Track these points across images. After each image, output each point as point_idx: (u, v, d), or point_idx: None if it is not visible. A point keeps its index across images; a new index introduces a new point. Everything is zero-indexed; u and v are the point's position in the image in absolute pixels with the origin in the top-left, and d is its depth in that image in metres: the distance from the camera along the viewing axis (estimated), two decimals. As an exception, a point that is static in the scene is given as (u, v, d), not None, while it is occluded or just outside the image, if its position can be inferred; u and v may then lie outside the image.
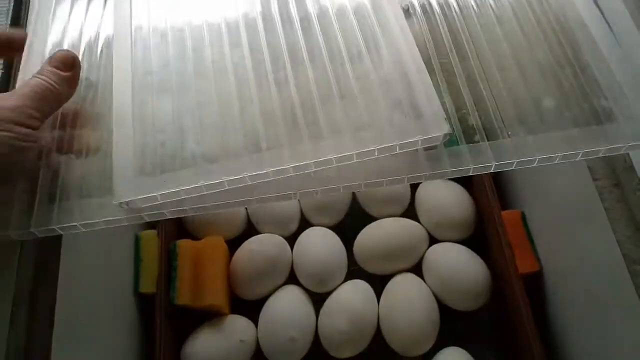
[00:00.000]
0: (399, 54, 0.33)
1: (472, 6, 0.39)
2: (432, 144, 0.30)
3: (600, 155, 0.31)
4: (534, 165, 0.31)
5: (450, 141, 0.31)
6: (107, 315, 0.45)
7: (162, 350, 0.47)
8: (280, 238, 0.55)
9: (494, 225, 0.50)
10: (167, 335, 0.48)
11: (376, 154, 0.30)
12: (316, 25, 0.36)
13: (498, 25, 0.38)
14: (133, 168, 0.30)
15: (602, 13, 0.37)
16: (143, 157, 0.30)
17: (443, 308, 0.50)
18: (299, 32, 0.35)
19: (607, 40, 0.35)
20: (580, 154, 0.31)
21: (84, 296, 0.40)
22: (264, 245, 0.54)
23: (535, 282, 0.50)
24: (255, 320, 0.51)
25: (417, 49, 0.33)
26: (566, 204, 0.43)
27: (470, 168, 0.31)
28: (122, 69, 0.34)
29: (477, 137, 0.32)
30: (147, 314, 0.51)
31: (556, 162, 0.31)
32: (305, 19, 0.36)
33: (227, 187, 0.29)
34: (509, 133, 0.32)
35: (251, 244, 0.54)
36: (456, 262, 0.51)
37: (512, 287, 0.47)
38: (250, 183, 0.30)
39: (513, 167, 0.31)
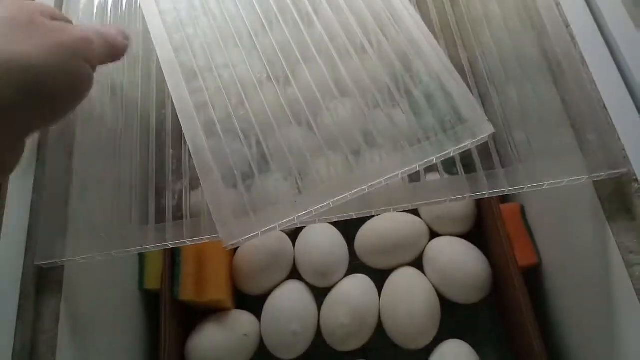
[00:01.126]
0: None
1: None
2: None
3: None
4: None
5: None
6: (112, 311, 0.46)
7: (166, 345, 0.48)
8: (283, 233, 0.56)
9: (493, 219, 0.50)
10: (171, 330, 0.49)
11: (434, 160, 0.32)
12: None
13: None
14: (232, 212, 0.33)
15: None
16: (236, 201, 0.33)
17: (444, 301, 0.51)
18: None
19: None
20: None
21: (89, 293, 0.41)
22: (267, 240, 0.55)
23: (534, 275, 0.50)
24: (258, 315, 0.52)
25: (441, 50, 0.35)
26: (564, 196, 0.44)
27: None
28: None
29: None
30: (151, 310, 0.52)
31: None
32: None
33: (314, 213, 0.33)
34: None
35: (255, 240, 0.55)
36: (456, 256, 0.51)
37: (512, 280, 0.47)
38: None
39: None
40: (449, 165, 0.36)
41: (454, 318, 0.51)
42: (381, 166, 0.32)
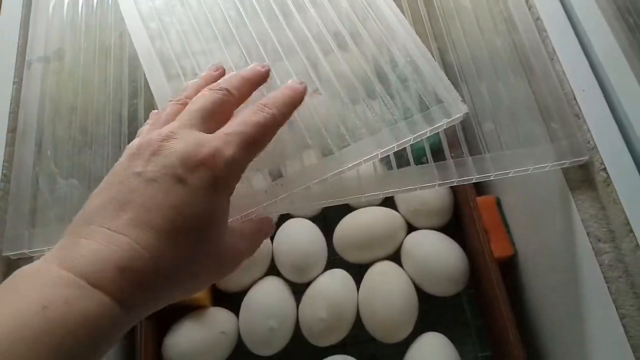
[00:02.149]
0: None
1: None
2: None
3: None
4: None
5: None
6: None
7: (143, 344, 0.47)
8: (261, 230, 0.55)
9: (469, 211, 0.51)
10: (147, 328, 0.48)
11: (412, 140, 0.33)
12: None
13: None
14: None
15: None
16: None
17: (422, 294, 0.51)
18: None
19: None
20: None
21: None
22: (244, 237, 0.54)
23: (510, 266, 0.51)
24: (236, 312, 0.52)
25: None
26: (537, 188, 0.44)
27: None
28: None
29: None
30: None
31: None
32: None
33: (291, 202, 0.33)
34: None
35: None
36: (434, 249, 0.52)
37: (488, 272, 0.48)
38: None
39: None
40: (419, 155, 0.37)
41: (431, 310, 0.51)
42: (359, 147, 0.32)
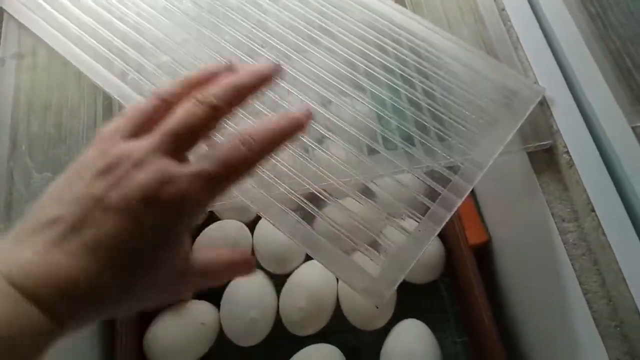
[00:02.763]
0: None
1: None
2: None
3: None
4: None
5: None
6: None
7: (124, 336, 0.47)
8: (241, 223, 0.56)
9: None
10: (129, 321, 0.48)
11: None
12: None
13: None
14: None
15: None
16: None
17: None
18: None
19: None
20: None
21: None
22: (224, 230, 0.55)
23: (485, 252, 0.52)
24: (217, 304, 0.52)
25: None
26: (507, 174, 0.45)
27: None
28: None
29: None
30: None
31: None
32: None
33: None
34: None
35: (212, 230, 0.55)
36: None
37: (463, 258, 0.49)
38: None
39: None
40: (388, 142, 0.38)
41: (409, 298, 0.52)
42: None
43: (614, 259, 0.32)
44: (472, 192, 0.53)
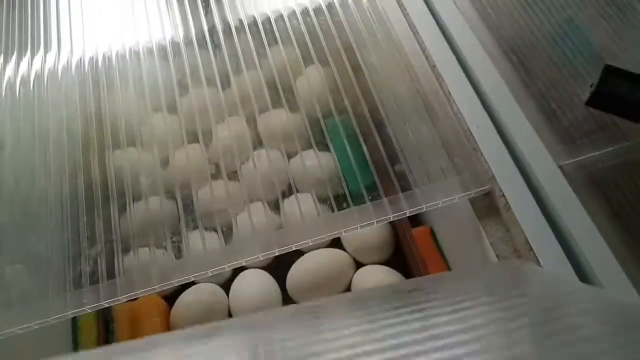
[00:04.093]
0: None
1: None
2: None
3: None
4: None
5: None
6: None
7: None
8: (216, 286, 0.57)
9: (407, 243, 0.54)
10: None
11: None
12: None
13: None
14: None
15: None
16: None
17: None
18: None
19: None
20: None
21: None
22: (200, 294, 0.56)
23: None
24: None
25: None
26: (457, 216, 0.48)
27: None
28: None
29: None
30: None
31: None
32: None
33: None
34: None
35: (187, 296, 0.57)
36: (379, 283, 0.55)
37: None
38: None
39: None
40: (339, 200, 0.41)
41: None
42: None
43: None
44: (432, 234, 0.55)
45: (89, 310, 0.37)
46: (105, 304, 0.36)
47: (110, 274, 0.38)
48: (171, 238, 0.41)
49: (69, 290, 0.37)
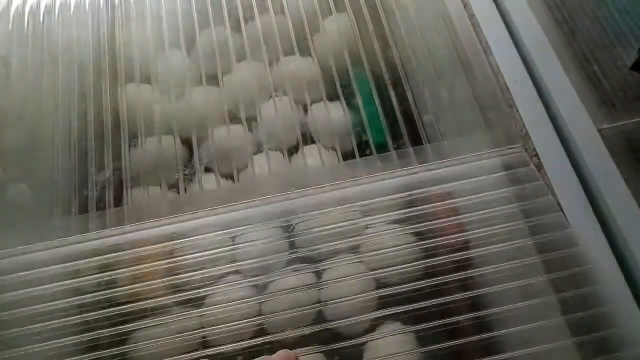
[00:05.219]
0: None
1: None
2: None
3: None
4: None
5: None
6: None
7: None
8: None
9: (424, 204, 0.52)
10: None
11: None
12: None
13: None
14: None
15: None
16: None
17: (381, 286, 0.52)
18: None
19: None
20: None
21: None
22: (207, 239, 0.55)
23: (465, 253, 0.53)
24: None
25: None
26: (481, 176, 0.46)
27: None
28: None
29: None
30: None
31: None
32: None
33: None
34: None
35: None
36: (392, 240, 0.53)
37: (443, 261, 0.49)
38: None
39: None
40: (362, 147, 0.39)
41: (392, 302, 0.53)
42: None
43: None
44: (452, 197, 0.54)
45: (94, 238, 0.35)
46: (111, 231, 0.35)
47: (118, 202, 0.36)
48: (184, 172, 0.39)
49: (74, 214, 0.36)
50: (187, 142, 0.43)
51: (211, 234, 0.39)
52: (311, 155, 0.42)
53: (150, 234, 0.34)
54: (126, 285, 0.51)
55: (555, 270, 0.35)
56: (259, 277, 0.52)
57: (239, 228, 0.40)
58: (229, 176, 0.40)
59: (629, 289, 0.32)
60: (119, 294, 0.51)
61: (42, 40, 0.47)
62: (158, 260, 0.53)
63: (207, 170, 0.41)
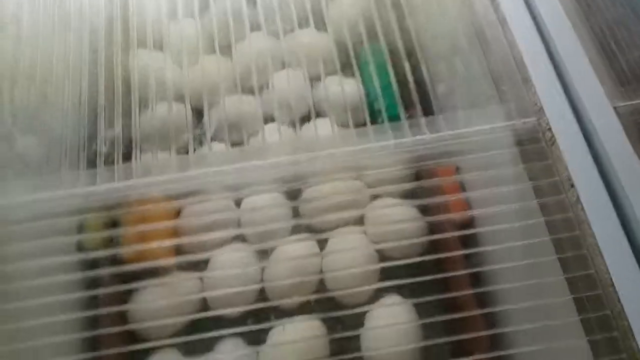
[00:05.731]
0: None
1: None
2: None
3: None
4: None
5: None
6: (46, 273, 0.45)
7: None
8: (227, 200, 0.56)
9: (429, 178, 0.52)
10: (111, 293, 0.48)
11: None
12: None
13: None
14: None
15: None
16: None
17: (384, 259, 0.52)
18: None
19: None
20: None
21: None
22: (210, 203, 0.55)
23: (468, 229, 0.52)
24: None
25: None
26: (491, 149, 0.46)
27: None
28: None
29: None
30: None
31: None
32: None
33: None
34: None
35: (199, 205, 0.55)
36: (395, 214, 0.53)
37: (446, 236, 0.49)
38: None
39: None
40: (375, 116, 0.38)
41: (393, 274, 0.53)
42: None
43: (591, 233, 0.33)
44: (458, 172, 0.53)
45: (102, 193, 0.35)
46: (118, 185, 0.34)
47: (127, 158, 0.36)
48: (193, 136, 0.39)
49: (82, 168, 0.35)
50: (197, 110, 0.42)
51: (218, 196, 0.38)
52: (323, 127, 0.42)
53: (158, 189, 0.34)
54: (130, 244, 0.51)
55: (566, 251, 0.35)
56: (262, 244, 0.52)
57: (245, 191, 0.40)
58: (239, 144, 0.40)
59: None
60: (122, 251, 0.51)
61: (53, 3, 0.46)
62: (163, 220, 0.54)
63: (217, 139, 0.41)
